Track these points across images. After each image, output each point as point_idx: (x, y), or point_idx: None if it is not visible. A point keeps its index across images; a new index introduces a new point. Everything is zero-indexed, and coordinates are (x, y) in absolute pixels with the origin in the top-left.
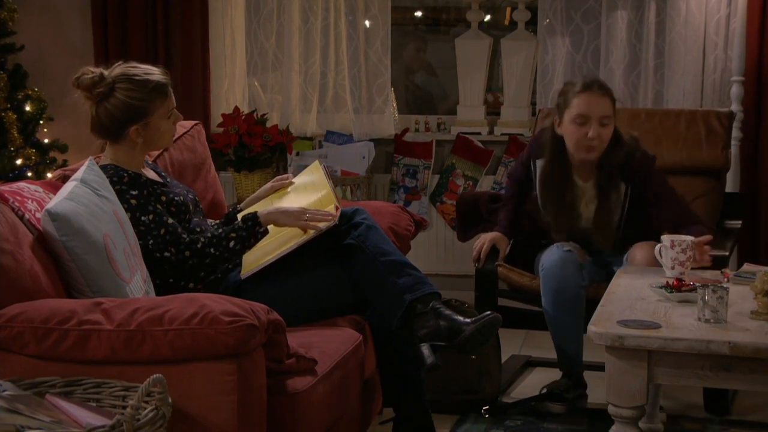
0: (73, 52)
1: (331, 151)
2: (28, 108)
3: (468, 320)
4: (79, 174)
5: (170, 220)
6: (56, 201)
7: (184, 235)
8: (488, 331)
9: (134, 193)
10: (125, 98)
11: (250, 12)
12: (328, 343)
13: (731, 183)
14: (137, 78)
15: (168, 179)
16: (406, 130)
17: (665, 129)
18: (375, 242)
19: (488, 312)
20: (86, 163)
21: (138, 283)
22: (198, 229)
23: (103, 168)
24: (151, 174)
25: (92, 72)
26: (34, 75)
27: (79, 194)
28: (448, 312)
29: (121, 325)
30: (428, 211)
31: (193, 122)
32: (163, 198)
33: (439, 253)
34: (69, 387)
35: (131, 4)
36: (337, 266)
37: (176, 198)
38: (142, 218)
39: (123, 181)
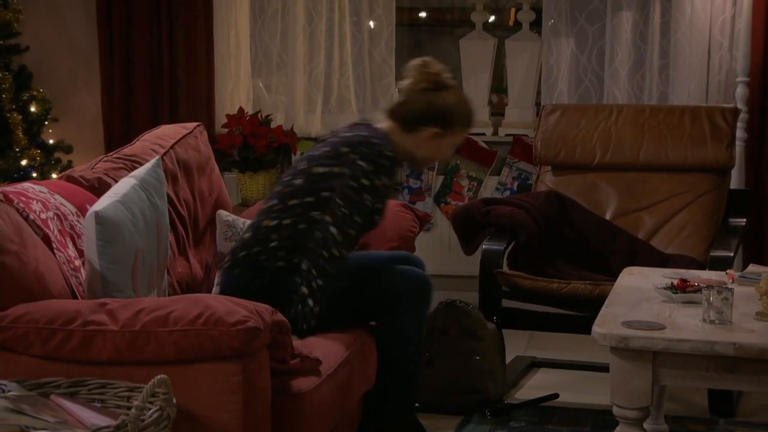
0: (78, 53)
1: None
2: (33, 108)
3: None
4: (141, 172)
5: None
6: (107, 202)
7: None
8: None
9: (379, 177)
10: (450, 105)
11: (255, 13)
12: (332, 344)
13: (736, 181)
14: (468, 102)
15: None
16: None
17: (670, 126)
18: (404, 339)
19: None
20: (153, 161)
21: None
22: None
23: (379, 133)
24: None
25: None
26: (39, 75)
27: (132, 198)
28: None
29: (125, 326)
30: (432, 211)
31: (196, 123)
32: (378, 205)
33: (443, 254)
34: (74, 387)
35: (135, 5)
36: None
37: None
38: (355, 198)
39: (384, 156)
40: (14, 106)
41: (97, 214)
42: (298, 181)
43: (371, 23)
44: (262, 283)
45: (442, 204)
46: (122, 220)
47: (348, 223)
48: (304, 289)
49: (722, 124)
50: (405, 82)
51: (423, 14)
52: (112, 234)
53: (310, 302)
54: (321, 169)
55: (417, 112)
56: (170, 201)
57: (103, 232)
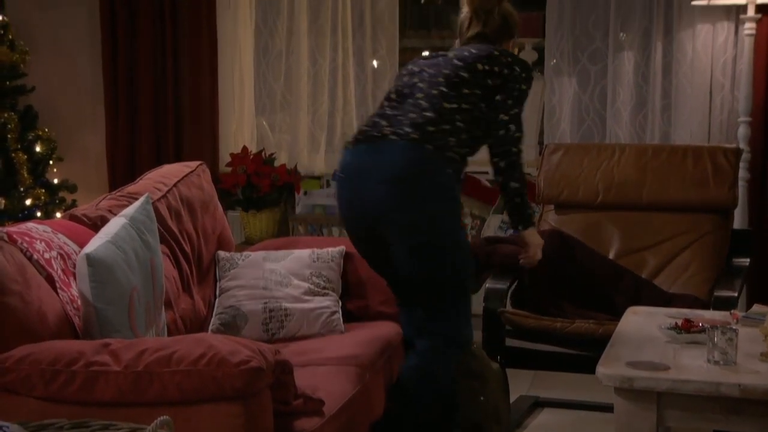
0: (83, 93)
1: None
2: (38, 148)
3: None
4: (130, 210)
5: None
6: (98, 243)
7: None
8: None
9: (529, 83)
10: (514, 13)
11: (259, 53)
12: (335, 384)
13: (739, 220)
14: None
15: None
16: None
17: (672, 166)
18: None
19: None
20: (141, 199)
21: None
22: None
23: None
24: None
25: None
26: (45, 115)
27: (122, 237)
28: None
29: (128, 367)
30: None
31: (198, 162)
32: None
33: None
34: (76, 429)
35: (141, 46)
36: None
37: None
38: (521, 99)
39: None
40: (20, 146)
41: (88, 256)
42: (464, 74)
43: (374, 63)
44: (453, 168)
45: None
46: (114, 261)
47: (521, 122)
48: (515, 184)
49: (725, 164)
50: (465, 9)
51: (426, 54)
52: (105, 275)
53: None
54: (482, 66)
55: (503, 28)
56: (174, 238)
57: (95, 274)
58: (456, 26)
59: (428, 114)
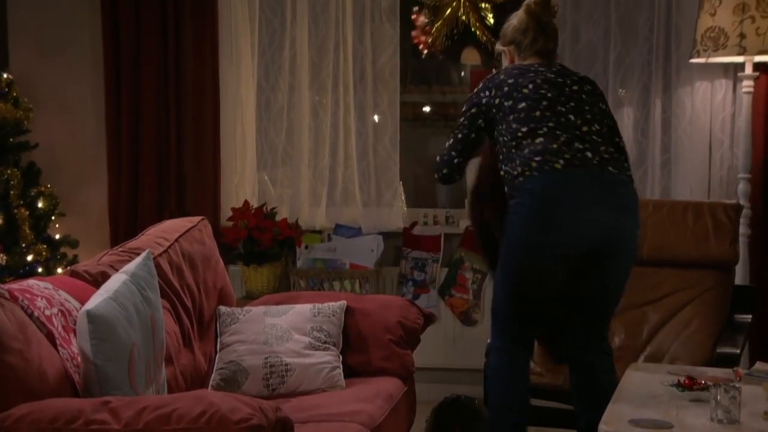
0: (86, 148)
1: (340, 244)
2: (40, 204)
3: None
4: (131, 267)
5: None
6: (99, 300)
7: None
8: None
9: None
10: None
11: (261, 109)
12: None
13: (740, 277)
14: None
15: None
16: (414, 224)
17: (673, 221)
18: None
19: None
20: (142, 255)
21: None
22: None
23: None
24: None
25: None
26: (47, 171)
27: (123, 293)
28: None
29: (128, 425)
30: (437, 304)
31: (200, 217)
32: None
33: (447, 347)
34: None
35: (144, 101)
36: None
37: None
38: None
39: None
40: (22, 202)
41: (89, 312)
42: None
43: (376, 118)
44: None
45: (447, 297)
46: (115, 317)
47: None
48: None
49: (725, 220)
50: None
51: (427, 109)
52: (105, 332)
53: None
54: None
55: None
56: (175, 293)
57: (96, 331)
58: (455, 81)
59: (613, 150)
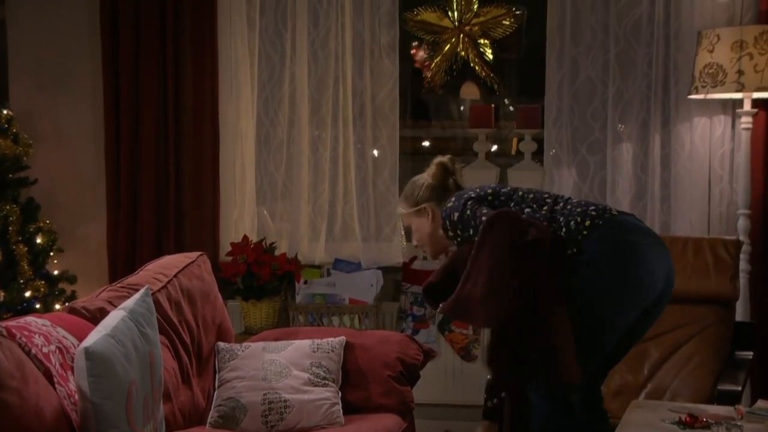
0: (86, 184)
1: (339, 279)
2: (39, 240)
3: None
4: (130, 303)
5: None
6: (97, 337)
7: None
8: None
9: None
10: None
11: (260, 143)
12: None
13: (741, 313)
14: None
15: None
16: (414, 258)
17: (673, 257)
18: None
19: None
20: (141, 291)
21: None
22: None
23: None
24: None
25: None
26: (46, 207)
27: (122, 330)
28: None
29: None
30: (437, 339)
31: (198, 253)
32: None
33: (447, 383)
34: None
35: (143, 136)
36: None
37: None
38: None
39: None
40: (20, 238)
41: (86, 350)
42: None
43: (375, 152)
44: None
45: (447, 332)
46: (113, 354)
47: None
48: None
49: (725, 256)
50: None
51: (426, 143)
52: (103, 369)
53: None
54: None
55: None
56: (174, 329)
57: (93, 368)
58: (454, 115)
59: None
